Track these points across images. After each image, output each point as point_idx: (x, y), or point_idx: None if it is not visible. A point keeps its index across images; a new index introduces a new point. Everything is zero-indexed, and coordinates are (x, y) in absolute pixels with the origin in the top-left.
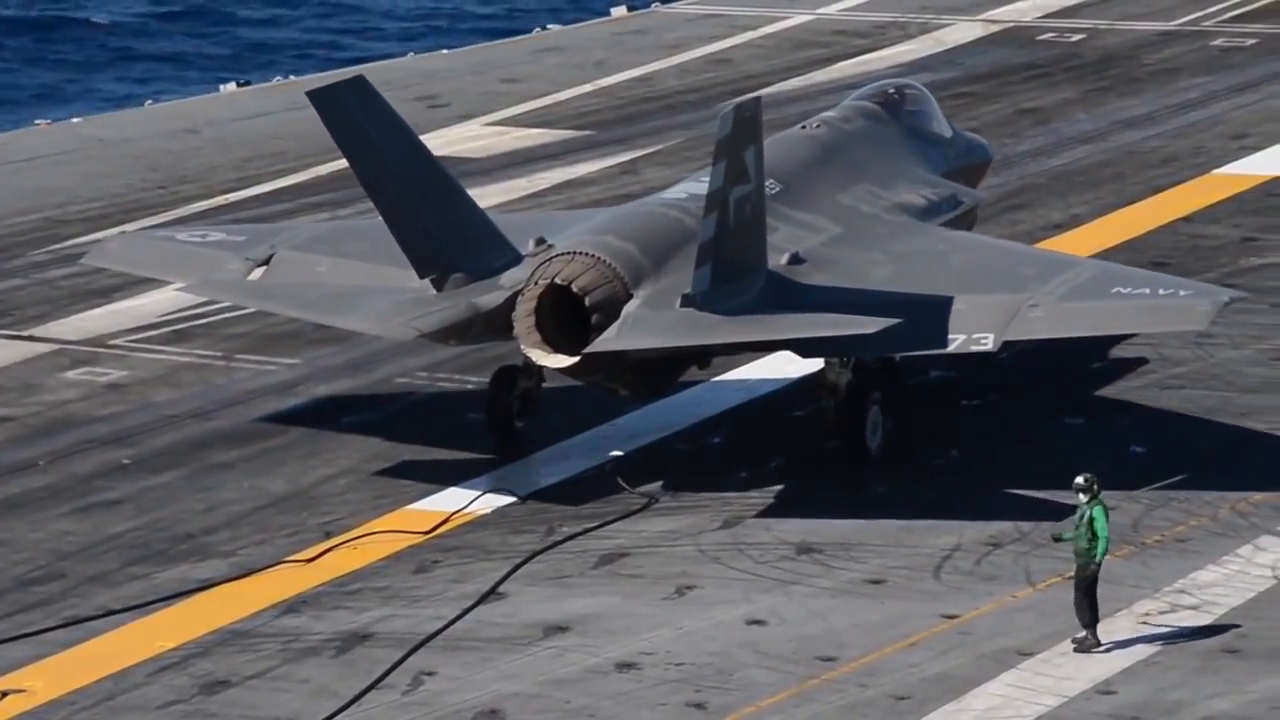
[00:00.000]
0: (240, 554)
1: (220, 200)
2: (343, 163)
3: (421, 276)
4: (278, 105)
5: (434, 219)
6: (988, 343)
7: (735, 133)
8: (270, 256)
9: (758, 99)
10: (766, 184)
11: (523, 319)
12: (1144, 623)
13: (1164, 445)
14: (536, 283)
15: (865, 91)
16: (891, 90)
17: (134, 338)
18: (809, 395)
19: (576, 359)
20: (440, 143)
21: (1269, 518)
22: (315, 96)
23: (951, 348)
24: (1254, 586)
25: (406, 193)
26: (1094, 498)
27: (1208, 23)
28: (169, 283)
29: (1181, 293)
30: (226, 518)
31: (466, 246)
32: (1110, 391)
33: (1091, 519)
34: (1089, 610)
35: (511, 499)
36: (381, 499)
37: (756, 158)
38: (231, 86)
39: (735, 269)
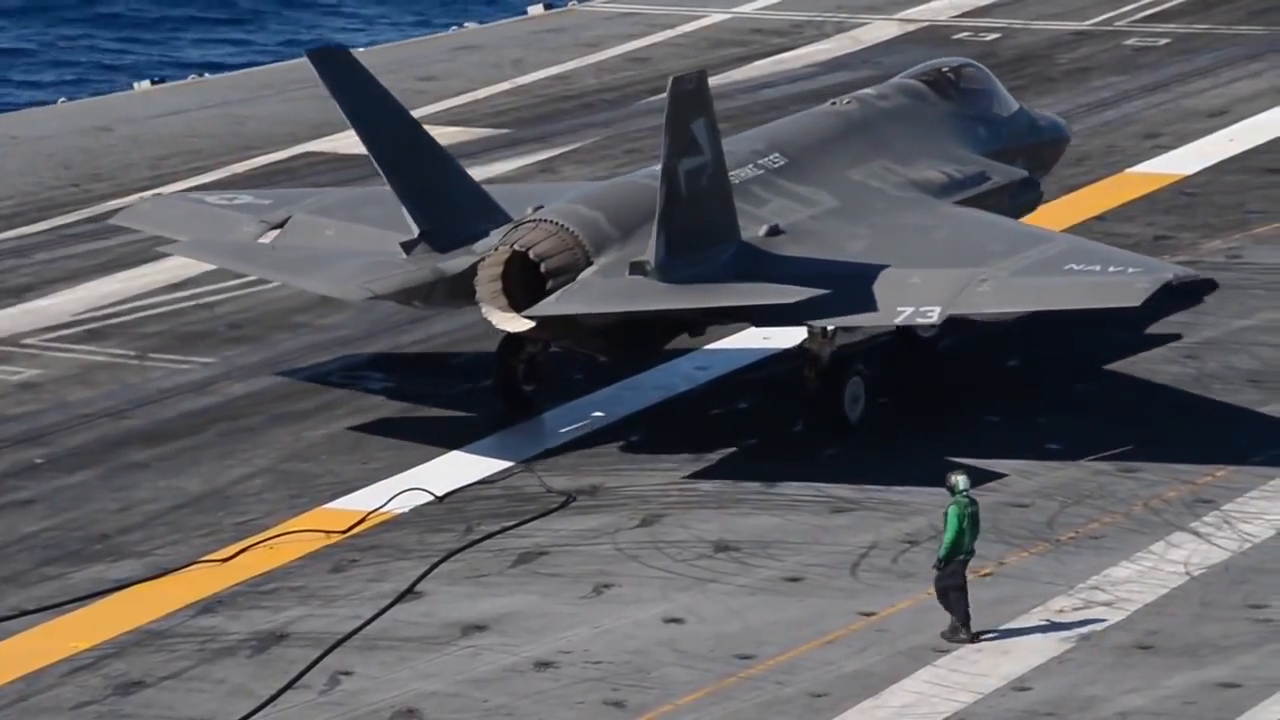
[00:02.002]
0: (155, 554)
1: (134, 198)
2: (258, 160)
3: (421, 230)
4: (192, 103)
5: (422, 181)
6: (933, 315)
7: (677, 106)
8: (285, 220)
9: (701, 72)
10: (771, 158)
11: (484, 283)
12: (1058, 619)
13: (1079, 443)
14: (498, 248)
15: (916, 69)
16: (946, 69)
17: (47, 336)
18: (727, 393)
19: (532, 323)
20: (356, 141)
21: (1182, 514)
22: (314, 55)
23: (898, 320)
24: (1167, 583)
25: (403, 151)
26: (956, 497)
27: (1121, 22)
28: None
29: (1130, 270)
30: (142, 517)
31: (453, 211)
32: (1026, 389)
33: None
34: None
35: (429, 498)
36: (298, 498)
37: (708, 131)
38: (145, 84)
39: (694, 240)
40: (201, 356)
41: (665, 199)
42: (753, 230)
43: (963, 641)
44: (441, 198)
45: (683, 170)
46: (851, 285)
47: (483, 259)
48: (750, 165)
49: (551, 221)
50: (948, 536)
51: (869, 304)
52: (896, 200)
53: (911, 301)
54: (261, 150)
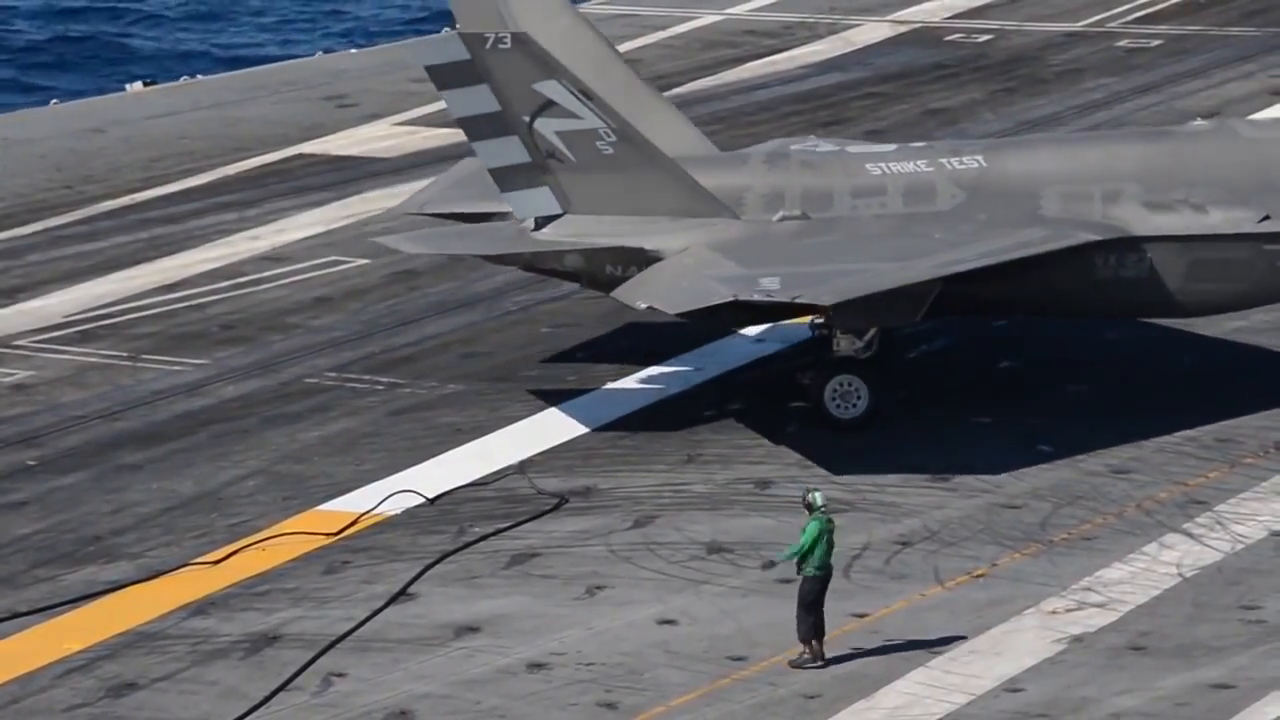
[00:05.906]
0: (148, 555)
1: (127, 200)
2: (252, 162)
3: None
4: (185, 104)
5: None
6: (643, 305)
7: (489, 62)
8: None
9: (518, 33)
10: (962, 159)
11: None
12: (1051, 620)
13: (1070, 444)
14: None
15: None
16: None
17: (40, 338)
18: (719, 394)
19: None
20: (349, 142)
21: (1174, 516)
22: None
23: (640, 304)
24: (1159, 584)
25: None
26: (815, 514)
27: (1113, 24)
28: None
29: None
30: (134, 519)
31: None
32: (1018, 390)
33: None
34: (808, 625)
35: (421, 500)
36: (290, 500)
37: (570, 93)
38: (138, 86)
39: (605, 203)
40: (194, 358)
41: (528, 153)
42: (773, 214)
43: (807, 664)
44: None
45: (551, 131)
46: (688, 270)
47: None
48: (920, 162)
49: None
50: (800, 543)
51: (656, 287)
52: (1020, 218)
53: (689, 292)
54: (254, 152)
